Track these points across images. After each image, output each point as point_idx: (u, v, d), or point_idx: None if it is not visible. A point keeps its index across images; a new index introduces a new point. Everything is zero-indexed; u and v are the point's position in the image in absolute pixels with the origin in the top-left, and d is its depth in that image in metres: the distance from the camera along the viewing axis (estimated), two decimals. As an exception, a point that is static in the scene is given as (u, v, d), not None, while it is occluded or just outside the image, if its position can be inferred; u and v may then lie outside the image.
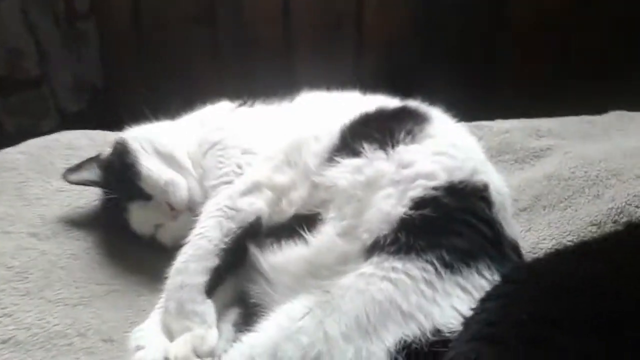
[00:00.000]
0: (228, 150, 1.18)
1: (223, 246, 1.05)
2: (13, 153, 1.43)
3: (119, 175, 1.22)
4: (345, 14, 2.19)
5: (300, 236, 1.02)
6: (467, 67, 2.11)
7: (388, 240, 0.94)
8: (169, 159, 1.23)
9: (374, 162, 1.05)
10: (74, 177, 1.28)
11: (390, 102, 1.21)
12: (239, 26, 2.18)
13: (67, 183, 1.36)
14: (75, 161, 1.41)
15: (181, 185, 1.20)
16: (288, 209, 1.11)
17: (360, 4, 2.16)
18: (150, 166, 1.21)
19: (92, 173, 1.27)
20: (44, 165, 1.40)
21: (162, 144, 1.25)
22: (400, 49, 2.23)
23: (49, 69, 2.05)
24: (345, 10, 2.18)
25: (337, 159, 1.09)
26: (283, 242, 1.03)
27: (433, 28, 2.19)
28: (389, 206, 0.98)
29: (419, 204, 0.98)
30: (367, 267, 0.94)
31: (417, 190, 0.99)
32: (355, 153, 1.08)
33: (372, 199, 1.02)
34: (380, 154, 1.06)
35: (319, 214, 1.05)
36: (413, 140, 1.08)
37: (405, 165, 1.03)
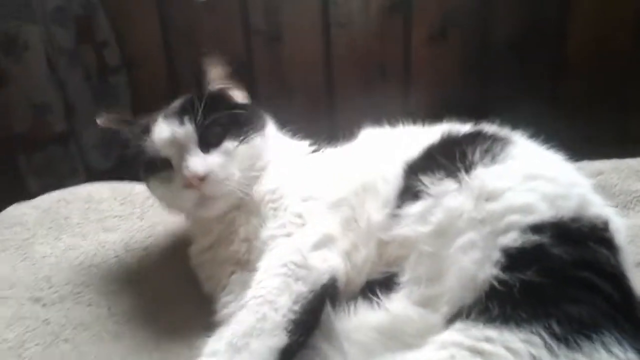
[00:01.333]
0: (285, 198, 0.98)
1: (292, 317, 0.82)
2: (22, 208, 1.26)
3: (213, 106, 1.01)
4: (391, 55, 2.02)
5: (373, 302, 0.82)
6: (529, 103, 1.91)
7: (475, 310, 0.72)
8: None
9: (442, 199, 0.84)
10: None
11: (461, 127, 0.99)
12: (278, 75, 2.04)
13: (82, 238, 1.17)
14: (95, 215, 1.24)
15: (221, 191, 0.97)
16: (356, 276, 0.90)
17: (409, 43, 1.99)
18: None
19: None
20: (56, 220, 1.22)
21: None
22: (454, 88, 2.03)
23: (77, 125, 1.92)
24: (392, 51, 2.01)
25: (400, 208, 0.89)
26: (356, 306, 0.83)
27: (489, 64, 2.00)
28: (474, 265, 0.75)
29: (516, 259, 0.73)
30: (450, 334, 0.71)
31: (510, 236, 0.75)
32: (415, 194, 0.87)
33: (450, 251, 0.79)
34: (449, 183, 0.85)
35: (395, 274, 0.84)
36: (494, 161, 0.85)
37: (488, 196, 0.80)
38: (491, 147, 0.88)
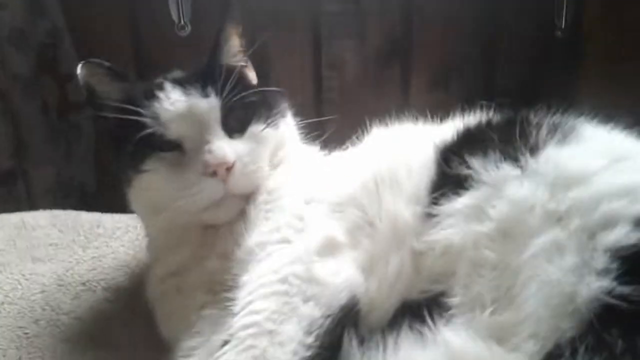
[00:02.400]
0: (283, 199, 0.74)
1: (305, 354, 0.58)
2: None
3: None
4: (389, 103, 1.84)
5: (421, 333, 0.56)
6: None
7: (584, 347, 0.48)
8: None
9: (503, 187, 0.61)
10: None
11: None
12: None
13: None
14: (23, 243, 0.97)
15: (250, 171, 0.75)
16: (385, 297, 0.64)
17: (407, 90, 1.82)
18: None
19: None
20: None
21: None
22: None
23: (27, 164, 1.66)
24: (390, 98, 1.83)
25: (437, 204, 0.65)
26: (396, 339, 0.57)
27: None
28: (567, 277, 0.52)
29: (635, 263, 0.50)
30: None
31: (618, 231, 0.52)
32: (459, 183, 0.64)
33: (523, 258, 0.56)
34: (508, 169, 0.62)
35: (442, 293, 0.59)
36: (566, 141, 0.64)
37: (569, 181, 0.58)
38: (559, 124, 0.66)
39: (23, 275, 0.87)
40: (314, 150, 0.89)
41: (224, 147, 0.73)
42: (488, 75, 1.82)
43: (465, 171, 0.64)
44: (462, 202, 0.63)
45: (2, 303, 0.82)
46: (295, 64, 1.79)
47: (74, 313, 0.82)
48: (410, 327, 0.56)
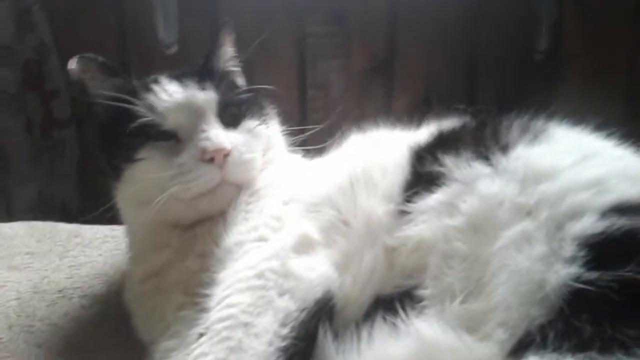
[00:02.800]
0: (263, 200, 0.75)
1: (280, 344, 0.59)
2: None
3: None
4: (370, 121, 1.86)
5: (395, 325, 0.58)
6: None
7: (554, 334, 0.49)
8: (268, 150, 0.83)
9: (475, 184, 0.62)
10: None
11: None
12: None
13: None
14: (1, 253, 0.95)
15: (245, 161, 0.77)
16: (359, 293, 0.65)
17: (389, 108, 1.85)
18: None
19: None
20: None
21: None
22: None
23: (9, 182, 1.65)
24: (371, 116, 1.85)
25: (410, 202, 0.66)
26: (370, 333, 0.58)
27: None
28: (536, 265, 0.53)
29: (603, 251, 0.52)
30: None
31: (585, 221, 0.54)
32: (434, 180, 0.66)
33: (493, 249, 0.57)
34: (480, 167, 0.64)
35: (414, 287, 0.61)
36: (537, 140, 0.66)
37: (539, 177, 0.60)
38: (530, 125, 0.69)
39: (-2, 282, 0.87)
40: (297, 157, 0.90)
41: (221, 135, 0.74)
42: (469, 95, 1.86)
43: (438, 169, 0.66)
44: (434, 198, 0.64)
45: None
46: (281, 85, 1.81)
47: (49, 320, 0.81)
48: (384, 320, 0.57)
